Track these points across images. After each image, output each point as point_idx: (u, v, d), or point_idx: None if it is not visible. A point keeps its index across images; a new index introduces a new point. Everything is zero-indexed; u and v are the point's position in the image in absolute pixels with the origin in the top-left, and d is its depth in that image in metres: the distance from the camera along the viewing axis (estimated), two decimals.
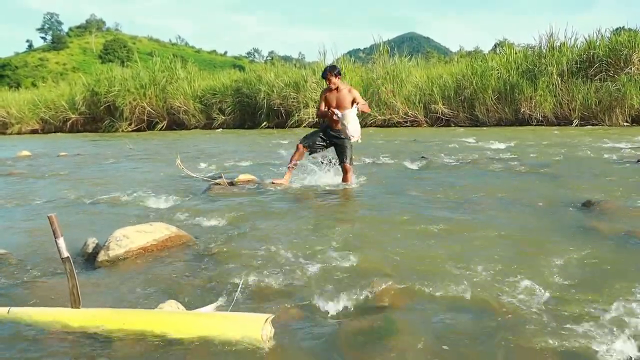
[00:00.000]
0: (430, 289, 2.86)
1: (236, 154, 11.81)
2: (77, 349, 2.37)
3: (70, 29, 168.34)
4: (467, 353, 2.20)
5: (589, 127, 16.08)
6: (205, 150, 13.50)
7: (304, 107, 21.62)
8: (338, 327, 2.47)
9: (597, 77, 16.94)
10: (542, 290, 2.76)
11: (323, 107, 6.70)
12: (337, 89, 6.61)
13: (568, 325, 2.36)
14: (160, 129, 25.85)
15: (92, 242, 3.99)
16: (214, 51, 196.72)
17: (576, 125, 16.46)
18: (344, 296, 2.78)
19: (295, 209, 5.34)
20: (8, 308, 2.70)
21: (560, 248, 3.54)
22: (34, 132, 30.44)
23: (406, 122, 20.10)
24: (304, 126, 21.36)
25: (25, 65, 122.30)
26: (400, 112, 20.14)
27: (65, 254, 2.51)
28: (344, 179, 6.76)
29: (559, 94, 17.38)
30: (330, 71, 6.61)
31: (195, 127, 25.35)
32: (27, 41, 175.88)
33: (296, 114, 21.69)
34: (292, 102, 22.00)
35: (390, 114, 20.25)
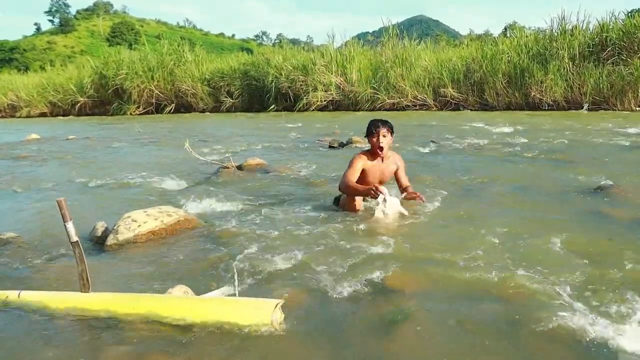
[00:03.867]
0: (442, 275, 2.84)
1: (244, 138, 11.78)
2: (86, 333, 2.37)
3: (77, 12, 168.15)
4: (479, 340, 2.17)
5: (600, 111, 15.90)
6: (213, 133, 13.47)
7: (312, 90, 21.50)
8: (348, 312, 2.46)
9: (609, 61, 16.70)
10: (556, 277, 2.73)
11: (354, 177, 4.31)
12: (382, 157, 4.42)
13: (582, 312, 2.33)
14: (169, 112, 25.82)
15: (101, 226, 3.99)
16: (222, 34, 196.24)
17: (587, 110, 16.28)
18: (354, 281, 2.77)
19: (304, 193, 5.32)
20: (18, 292, 2.70)
21: (573, 234, 3.49)
22: (42, 115, 30.50)
23: (415, 106, 19.95)
24: (312, 109, 21.28)
25: (33, 49, 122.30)
26: (409, 95, 19.99)
27: (75, 238, 2.50)
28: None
29: (570, 78, 17.15)
30: (385, 124, 4.34)
31: (203, 110, 25.30)
32: (35, 24, 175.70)
33: (304, 97, 21.58)
34: (301, 85, 21.88)
35: (399, 98, 20.11)
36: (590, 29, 18.18)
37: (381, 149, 4.30)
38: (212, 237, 3.75)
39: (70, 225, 2.49)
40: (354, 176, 4.30)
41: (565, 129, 10.90)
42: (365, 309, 2.49)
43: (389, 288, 2.70)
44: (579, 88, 17.06)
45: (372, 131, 4.31)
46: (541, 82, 17.49)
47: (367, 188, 4.12)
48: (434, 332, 2.25)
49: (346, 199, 4.38)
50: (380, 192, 4.03)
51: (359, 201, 4.36)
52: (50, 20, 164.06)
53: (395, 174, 4.58)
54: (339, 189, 4.37)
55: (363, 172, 4.38)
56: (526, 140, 9.05)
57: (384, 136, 4.28)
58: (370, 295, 2.63)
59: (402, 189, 4.55)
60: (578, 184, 5.24)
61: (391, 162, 4.52)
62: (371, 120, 4.40)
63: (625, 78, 16.00)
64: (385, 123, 4.34)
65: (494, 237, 3.51)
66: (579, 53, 17.34)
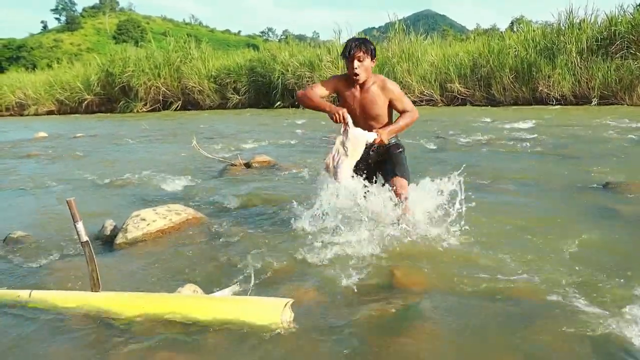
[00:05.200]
0: (451, 273, 2.83)
1: (251, 134, 11.78)
2: (97, 333, 2.38)
3: (84, 10, 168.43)
4: (489, 339, 2.17)
5: (608, 106, 15.79)
6: (220, 130, 13.48)
7: None
8: (358, 311, 2.46)
9: (618, 55, 16.57)
10: (567, 275, 2.72)
11: (320, 93, 3.74)
12: (363, 83, 3.72)
13: (594, 311, 2.32)
14: (175, 109, 25.83)
15: (110, 225, 4.01)
16: (228, 30, 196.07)
17: (595, 105, 16.18)
18: (364, 279, 2.77)
19: (312, 190, 5.31)
20: (29, 291, 2.72)
21: (582, 231, 3.48)
22: (50, 113, 30.60)
23: (422, 101, 19.88)
24: None
25: (40, 47, 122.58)
26: (415, 91, 19.92)
27: (85, 238, 2.52)
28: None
29: (578, 72, 17.03)
30: (360, 46, 3.64)
31: (210, 107, 25.31)
32: (42, 22, 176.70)
33: None
34: (307, 81, 21.83)
35: (406, 93, 20.02)
36: (599, 23, 18.03)
37: (356, 75, 3.61)
38: (221, 236, 3.75)
39: (80, 226, 2.50)
40: (319, 89, 3.73)
41: (573, 124, 10.84)
42: (375, 307, 2.48)
43: (398, 286, 2.70)
44: (587, 82, 16.95)
45: (345, 55, 3.63)
46: (549, 77, 17.38)
47: (329, 107, 3.60)
48: (444, 331, 2.25)
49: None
50: (343, 120, 3.51)
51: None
52: (56, 18, 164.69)
53: (391, 104, 3.79)
54: (300, 98, 3.80)
55: (341, 98, 3.81)
56: (533, 136, 9.01)
57: (359, 60, 3.59)
58: (379, 293, 2.63)
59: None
60: (586, 179, 5.21)
61: (376, 90, 3.72)
62: (347, 40, 3.74)
63: (634, 72, 15.87)
64: (363, 43, 3.63)
65: (502, 234, 3.50)
66: (587, 47, 17.21)
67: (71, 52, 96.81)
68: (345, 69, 3.72)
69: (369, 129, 3.66)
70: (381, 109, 3.75)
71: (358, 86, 3.72)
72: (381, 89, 3.72)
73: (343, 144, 3.55)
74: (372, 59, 3.68)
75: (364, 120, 3.73)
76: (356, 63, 3.59)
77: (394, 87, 3.77)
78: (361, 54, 3.60)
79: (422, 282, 2.75)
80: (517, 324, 2.26)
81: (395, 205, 3.61)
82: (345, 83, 3.77)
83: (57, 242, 3.89)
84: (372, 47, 3.69)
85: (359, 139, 3.52)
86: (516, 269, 2.84)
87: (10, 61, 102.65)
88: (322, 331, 2.29)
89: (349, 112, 3.59)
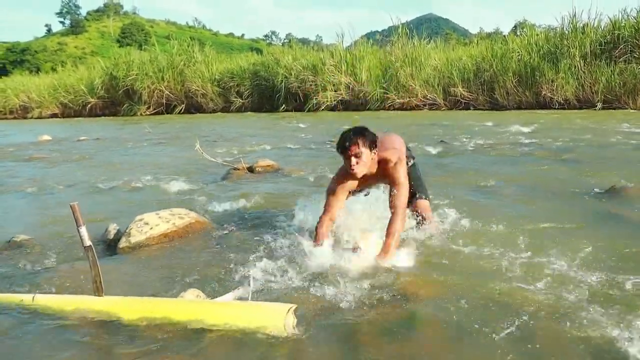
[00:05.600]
0: (455, 281, 2.82)
1: (254, 138, 11.80)
2: (100, 337, 2.38)
3: (88, 13, 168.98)
4: (493, 349, 2.16)
5: (612, 110, 15.78)
6: (224, 134, 13.50)
7: (322, 90, 21.50)
8: (362, 317, 2.45)
9: (621, 59, 16.56)
10: (573, 283, 2.70)
11: (332, 212, 3.44)
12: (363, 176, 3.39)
13: (601, 320, 2.30)
14: (179, 113, 25.90)
15: (113, 229, 4.01)
16: (232, 34, 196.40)
17: (599, 109, 16.16)
18: (368, 286, 2.76)
19: (316, 195, 5.31)
20: (33, 295, 2.72)
21: (584, 236, 3.46)
22: (53, 116, 30.71)
23: (425, 105, 19.90)
24: (322, 109, 21.26)
25: (44, 50, 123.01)
26: (419, 95, 19.93)
27: (88, 242, 2.52)
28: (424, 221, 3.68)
29: (581, 76, 17.03)
30: (356, 141, 3.26)
31: (213, 111, 25.36)
32: (46, 25, 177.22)
33: (314, 97, 21.58)
34: (310, 85, 21.88)
35: (409, 97, 20.05)
36: (602, 27, 18.03)
37: (353, 170, 3.29)
38: (224, 240, 3.75)
39: (83, 230, 2.50)
40: (332, 211, 3.41)
41: (576, 128, 10.83)
42: (379, 314, 2.47)
43: (402, 294, 2.69)
44: (590, 86, 16.93)
45: (340, 152, 3.33)
46: (552, 81, 17.38)
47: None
48: (448, 339, 2.24)
49: None
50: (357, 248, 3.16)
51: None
52: (61, 22, 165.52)
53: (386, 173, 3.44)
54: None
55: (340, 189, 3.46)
56: (537, 140, 9.00)
57: (356, 156, 3.24)
58: (384, 300, 2.62)
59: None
60: (590, 184, 5.19)
61: (381, 172, 3.46)
62: (341, 134, 3.36)
63: (638, 76, 15.85)
64: (359, 135, 3.26)
65: (507, 241, 3.49)
66: (591, 51, 17.20)
67: (75, 56, 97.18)
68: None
69: None
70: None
71: (361, 177, 3.42)
72: (383, 171, 3.45)
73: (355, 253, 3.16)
74: (371, 150, 3.30)
75: None
76: (353, 160, 3.25)
77: (394, 167, 3.41)
78: (358, 149, 3.23)
79: (426, 290, 2.73)
80: (523, 335, 2.24)
81: (419, 223, 3.60)
82: (348, 177, 3.43)
83: (60, 245, 3.90)
84: (370, 137, 3.30)
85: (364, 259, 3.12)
86: (522, 276, 2.83)
87: (15, 64, 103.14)
88: (326, 337, 2.28)
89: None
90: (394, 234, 3.20)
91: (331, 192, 3.47)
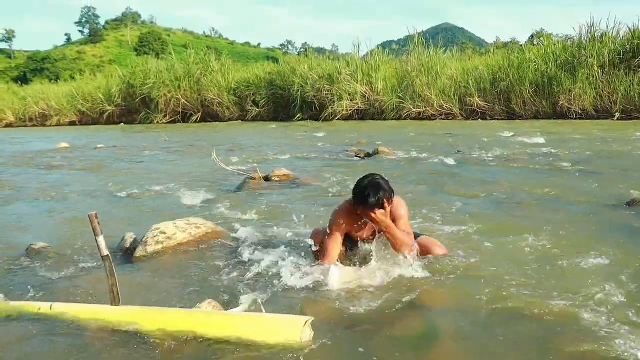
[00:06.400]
0: (473, 292, 2.79)
1: (270, 147, 11.82)
2: (116, 347, 2.38)
3: (106, 22, 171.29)
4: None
5: (631, 120, 15.62)
6: (240, 142, 13.55)
7: (338, 99, 21.53)
8: (379, 329, 2.42)
9: None
10: (592, 296, 2.66)
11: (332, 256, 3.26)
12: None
13: (621, 333, 2.26)
14: (195, 121, 26.07)
15: (130, 237, 4.02)
16: (248, 43, 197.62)
17: (617, 119, 16.01)
18: (385, 298, 2.73)
19: (332, 205, 5.30)
20: (50, 304, 2.73)
21: (607, 251, 3.40)
22: (72, 123, 31.09)
23: (441, 115, 19.84)
24: (338, 119, 21.27)
25: (63, 59, 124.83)
26: (435, 105, 19.89)
27: (105, 252, 2.52)
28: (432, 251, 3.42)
29: (599, 86, 16.90)
30: (378, 199, 3.10)
31: (229, 119, 25.49)
32: (66, 35, 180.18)
33: (330, 107, 21.62)
34: (326, 94, 21.93)
35: (425, 107, 20.01)
36: (621, 36, 17.89)
37: (377, 229, 3.24)
38: (240, 251, 3.74)
39: (101, 239, 2.51)
40: (334, 252, 3.28)
41: (594, 139, 10.72)
42: (396, 326, 2.45)
43: (419, 305, 2.66)
44: (609, 96, 16.78)
45: (361, 205, 3.16)
46: (570, 91, 17.26)
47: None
48: (465, 351, 2.21)
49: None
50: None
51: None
52: (80, 31, 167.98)
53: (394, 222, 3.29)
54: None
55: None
56: (554, 151, 8.92)
57: (374, 214, 3.13)
58: (401, 312, 2.59)
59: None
60: (610, 196, 5.12)
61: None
62: (360, 186, 3.19)
63: None
64: (372, 197, 3.08)
65: (525, 253, 3.45)
66: (609, 61, 17.06)
67: (93, 64, 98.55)
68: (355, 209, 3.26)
69: None
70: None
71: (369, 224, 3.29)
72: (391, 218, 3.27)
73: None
74: (389, 203, 3.19)
75: None
76: (372, 215, 3.15)
77: (399, 210, 3.33)
78: (375, 208, 3.12)
79: (443, 302, 2.71)
80: (541, 348, 2.21)
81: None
82: (354, 219, 3.32)
83: (77, 254, 3.91)
84: (390, 192, 3.18)
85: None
86: (540, 288, 2.79)
87: (35, 73, 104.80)
88: (343, 350, 2.26)
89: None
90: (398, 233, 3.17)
91: (331, 234, 3.33)
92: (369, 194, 3.08)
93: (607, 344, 2.18)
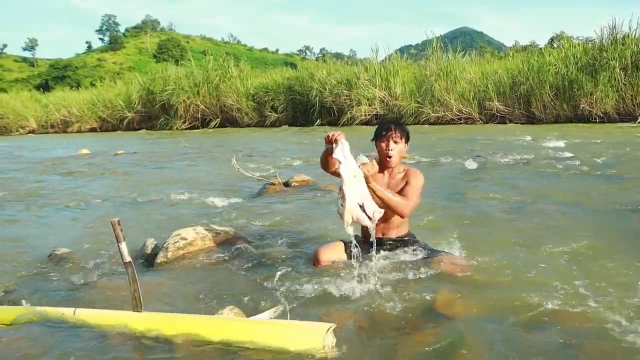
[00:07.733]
0: (495, 299, 2.75)
1: (289, 153, 11.84)
2: (138, 353, 2.39)
3: (126, 30, 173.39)
4: None
5: None
6: (259, 148, 13.59)
7: (356, 104, 21.51)
8: (401, 336, 2.40)
9: None
10: (615, 302, 2.61)
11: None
12: (391, 169, 3.49)
13: None
14: (214, 127, 26.21)
15: (151, 243, 4.05)
16: (266, 49, 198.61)
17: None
18: (406, 304, 2.71)
19: None
20: (74, 309, 2.75)
21: (631, 256, 3.35)
22: (92, 130, 31.47)
23: (460, 120, 19.71)
24: (356, 123, 21.25)
25: (84, 66, 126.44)
26: (454, 109, 19.76)
27: (128, 258, 2.54)
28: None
29: (621, 88, 16.66)
30: (397, 129, 3.43)
31: (248, 125, 25.60)
32: (87, 42, 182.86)
33: (349, 112, 21.59)
34: (345, 99, 21.91)
35: (444, 111, 19.90)
36: None
37: (389, 157, 3.40)
38: (261, 256, 3.74)
39: (123, 246, 2.53)
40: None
41: (617, 142, 10.56)
42: (418, 333, 2.43)
43: (441, 312, 2.63)
44: (631, 99, 16.53)
45: (381, 134, 3.43)
46: (591, 94, 17.03)
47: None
48: (490, 359, 2.18)
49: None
50: (334, 141, 3.25)
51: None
52: (100, 38, 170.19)
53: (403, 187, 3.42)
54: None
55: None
56: (576, 155, 8.79)
57: (395, 142, 3.38)
58: (421, 320, 2.57)
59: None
60: (633, 201, 5.04)
61: (401, 179, 3.46)
62: (382, 121, 3.64)
63: None
64: (398, 126, 3.43)
65: (547, 258, 3.40)
66: (632, 63, 16.80)
67: (114, 71, 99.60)
68: (376, 151, 3.48)
69: (386, 216, 3.27)
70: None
71: (385, 171, 3.48)
72: (403, 178, 3.46)
73: (340, 188, 3.08)
74: (406, 143, 3.47)
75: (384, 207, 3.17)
76: (391, 144, 3.38)
77: (415, 177, 3.43)
78: (398, 136, 3.39)
79: (466, 308, 2.67)
80: (565, 355, 2.17)
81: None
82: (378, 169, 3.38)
83: (100, 259, 3.95)
84: (407, 131, 3.48)
85: (351, 172, 3.09)
86: (563, 296, 2.74)
87: (56, 80, 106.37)
88: (365, 357, 2.25)
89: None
90: (394, 195, 3.29)
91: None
92: (392, 122, 3.48)
93: (634, 351, 2.14)
